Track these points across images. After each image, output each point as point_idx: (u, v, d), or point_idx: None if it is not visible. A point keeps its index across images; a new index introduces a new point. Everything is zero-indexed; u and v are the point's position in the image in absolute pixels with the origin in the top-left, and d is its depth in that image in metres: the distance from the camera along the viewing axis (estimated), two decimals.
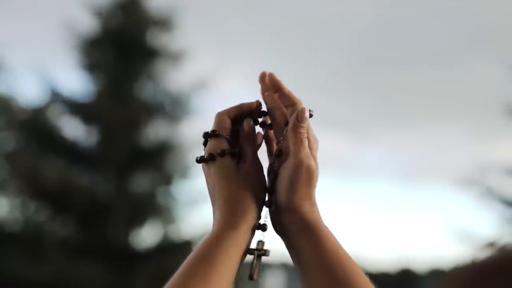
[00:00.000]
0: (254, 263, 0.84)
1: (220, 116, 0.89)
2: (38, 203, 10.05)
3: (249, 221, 0.83)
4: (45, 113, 10.68)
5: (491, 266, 0.42)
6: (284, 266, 18.58)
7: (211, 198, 0.86)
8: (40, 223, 9.91)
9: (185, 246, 10.06)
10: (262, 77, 0.91)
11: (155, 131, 10.43)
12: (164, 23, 10.72)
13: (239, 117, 0.90)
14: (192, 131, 10.60)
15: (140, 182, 10.14)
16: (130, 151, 9.95)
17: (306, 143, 0.85)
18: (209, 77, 10.65)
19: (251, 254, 0.84)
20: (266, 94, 0.90)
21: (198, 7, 16.38)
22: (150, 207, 10.08)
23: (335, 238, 0.83)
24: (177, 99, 10.52)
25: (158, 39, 10.70)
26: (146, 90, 10.50)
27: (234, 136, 0.89)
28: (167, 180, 10.34)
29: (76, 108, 10.40)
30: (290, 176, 0.84)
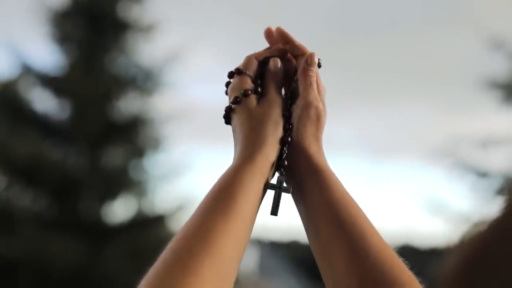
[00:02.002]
0: (275, 199, 0.83)
1: (248, 57, 0.90)
2: (9, 178, 9.95)
3: (267, 154, 0.82)
4: (15, 87, 10.54)
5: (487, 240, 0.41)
6: (258, 242, 18.69)
7: (234, 142, 0.86)
8: (11, 198, 9.83)
9: (158, 220, 10.08)
10: (268, 32, 0.93)
11: (127, 104, 10.36)
12: None
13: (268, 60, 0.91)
14: (164, 104, 10.56)
15: (113, 156, 10.09)
16: (102, 125, 9.88)
17: (315, 86, 0.87)
18: (181, 51, 10.59)
19: (271, 189, 0.83)
20: (275, 46, 0.93)
21: None
22: (122, 181, 10.05)
23: (341, 184, 0.83)
24: (149, 72, 10.45)
25: (129, 11, 10.58)
26: (117, 63, 10.41)
27: (261, 77, 0.89)
28: (140, 154, 10.31)
29: (47, 81, 10.29)
30: (299, 115, 0.85)
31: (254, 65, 0.89)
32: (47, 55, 10.55)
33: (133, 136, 10.23)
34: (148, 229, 9.81)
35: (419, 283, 0.74)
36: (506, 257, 0.39)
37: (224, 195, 0.77)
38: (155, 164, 10.53)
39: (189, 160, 10.60)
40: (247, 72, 0.88)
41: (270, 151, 0.82)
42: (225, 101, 0.90)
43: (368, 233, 0.77)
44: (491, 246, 0.41)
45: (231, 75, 0.89)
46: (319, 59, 0.90)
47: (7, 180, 9.97)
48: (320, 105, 0.86)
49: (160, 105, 10.53)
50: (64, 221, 9.48)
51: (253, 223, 0.79)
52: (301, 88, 0.87)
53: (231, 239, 0.73)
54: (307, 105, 0.85)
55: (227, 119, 0.88)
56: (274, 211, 0.83)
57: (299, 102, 0.86)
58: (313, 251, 0.81)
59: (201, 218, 0.74)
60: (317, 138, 0.85)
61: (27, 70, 10.34)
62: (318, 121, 0.85)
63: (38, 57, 10.66)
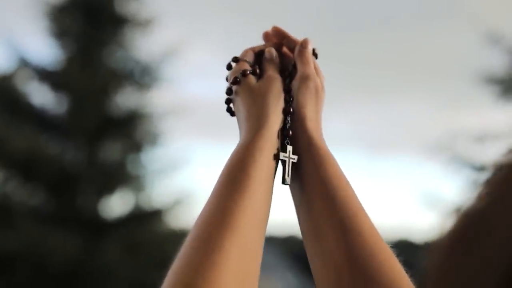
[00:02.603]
0: (284, 168, 0.83)
1: (245, 49, 0.93)
2: (6, 172, 9.95)
3: (272, 126, 0.83)
4: (12, 81, 10.53)
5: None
6: None
7: (238, 121, 0.88)
8: (8, 192, 9.82)
9: (156, 215, 10.08)
10: (266, 35, 0.97)
11: (124, 99, 10.35)
12: None
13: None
14: (162, 99, 10.57)
15: (110, 151, 10.09)
16: (99, 119, 9.88)
17: (311, 64, 0.91)
18: (179, 46, 10.58)
19: (281, 158, 0.84)
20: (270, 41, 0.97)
21: None
22: (120, 176, 10.05)
23: (337, 164, 0.84)
24: (147, 67, 10.45)
25: (127, 6, 10.57)
26: (115, 58, 10.40)
27: (258, 66, 0.92)
28: (137, 148, 10.31)
29: (44, 75, 10.28)
30: (298, 86, 0.88)
31: (250, 54, 0.93)
32: (44, 49, 10.55)
33: (131, 131, 10.23)
34: (146, 223, 9.82)
35: (405, 272, 0.75)
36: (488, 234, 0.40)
37: (236, 172, 0.77)
38: (152, 158, 10.54)
39: (186, 155, 10.63)
40: (245, 59, 0.91)
41: (275, 122, 0.84)
42: (223, 96, 0.92)
43: (360, 214, 0.78)
44: (474, 224, 0.42)
45: (229, 66, 0.91)
46: (314, 49, 0.93)
47: (5, 174, 9.97)
48: (318, 80, 0.89)
49: (158, 99, 10.53)
50: (62, 215, 9.48)
51: (271, 196, 0.80)
52: (299, 66, 0.90)
53: (249, 214, 0.74)
54: (306, 77, 0.88)
55: (229, 102, 0.90)
56: (285, 180, 0.83)
57: (298, 76, 0.89)
58: (302, 228, 0.81)
59: (217, 198, 0.75)
60: (317, 113, 0.87)
61: (24, 64, 10.32)
62: (317, 94, 0.88)
63: (35, 51, 10.67)
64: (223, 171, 0.79)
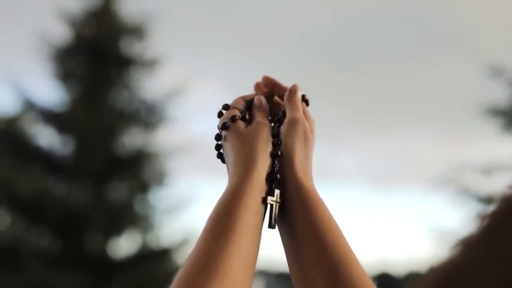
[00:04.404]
0: (272, 212, 0.83)
1: (236, 98, 0.94)
2: (14, 214, 9.96)
3: (260, 169, 0.83)
4: (18, 123, 10.60)
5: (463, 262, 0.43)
6: (264, 273, 18.56)
7: (227, 165, 0.88)
8: (16, 234, 9.82)
9: (163, 254, 10.05)
10: (257, 86, 0.98)
11: (131, 139, 10.40)
12: (137, 31, 10.72)
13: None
14: (168, 138, 10.61)
15: (117, 191, 10.10)
16: (106, 160, 9.91)
17: (300, 109, 0.91)
18: (183, 85, 10.66)
19: (269, 203, 0.83)
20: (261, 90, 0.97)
21: (170, 14, 16.37)
22: (127, 216, 10.04)
23: (326, 206, 0.83)
24: (152, 106, 10.51)
25: (131, 47, 10.68)
26: (121, 98, 10.47)
27: (248, 111, 0.93)
28: (144, 188, 10.31)
29: (50, 117, 10.34)
30: (287, 130, 0.87)
31: (241, 101, 0.93)
32: (50, 91, 10.63)
33: (137, 171, 10.25)
34: (153, 263, 9.78)
35: None
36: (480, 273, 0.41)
37: (223, 216, 0.77)
38: (159, 198, 10.54)
39: (193, 193, 10.62)
40: (235, 106, 0.92)
41: (262, 166, 0.84)
42: None
43: (349, 261, 0.78)
44: (465, 263, 0.43)
45: (220, 114, 0.92)
46: (304, 95, 0.94)
47: (12, 217, 9.98)
48: (307, 125, 0.89)
49: (164, 139, 10.58)
50: (69, 256, 9.46)
51: (258, 240, 0.79)
52: (287, 111, 0.91)
53: (235, 260, 0.73)
54: (294, 121, 0.88)
55: (219, 148, 0.91)
56: (272, 224, 0.83)
57: (286, 120, 0.89)
58: (291, 273, 0.81)
59: (203, 243, 0.75)
60: (306, 156, 0.87)
61: (30, 107, 10.40)
62: (305, 137, 0.88)
63: (41, 94, 10.73)
64: (210, 215, 0.79)
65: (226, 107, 0.92)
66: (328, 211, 0.83)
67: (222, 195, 0.81)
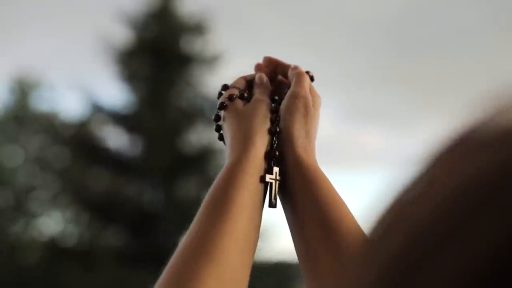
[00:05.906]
0: (272, 191, 0.80)
1: (236, 78, 0.90)
2: (89, 216, 10.18)
3: (257, 147, 0.80)
4: (88, 127, 10.84)
5: None
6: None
7: (226, 145, 0.84)
8: (93, 235, 10.04)
9: None
10: (258, 66, 0.94)
11: (196, 136, 10.50)
12: (197, 29, 10.80)
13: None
14: None
15: (186, 188, 10.21)
16: (173, 158, 10.03)
17: (304, 83, 0.86)
18: None
19: (269, 181, 0.80)
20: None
21: (230, 10, 16.43)
22: (196, 212, 10.12)
23: (329, 181, 0.80)
24: (216, 103, 10.55)
25: (193, 44, 10.77)
26: (184, 97, 10.58)
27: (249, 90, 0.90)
28: (211, 183, 10.37)
29: (118, 119, 10.53)
30: (286, 105, 0.83)
31: (241, 81, 0.90)
32: (116, 94, 10.83)
33: (204, 167, 10.34)
34: None
35: None
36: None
37: (218, 195, 0.74)
38: None
39: None
40: (234, 85, 0.88)
41: (260, 143, 0.80)
42: None
43: (355, 234, 0.75)
44: None
45: (219, 94, 0.89)
46: (309, 72, 0.90)
47: (88, 218, 10.20)
48: (309, 99, 0.84)
49: None
50: (144, 254, 9.60)
51: (259, 220, 0.77)
52: (291, 85, 0.86)
53: (230, 240, 0.70)
54: (294, 96, 0.84)
55: (218, 129, 0.87)
56: (272, 203, 0.80)
57: (287, 95, 0.85)
58: (296, 251, 0.78)
59: (199, 224, 0.72)
60: (307, 131, 0.83)
61: (98, 110, 10.62)
62: (306, 112, 0.83)
63: (108, 96, 10.96)
64: (207, 195, 0.76)
65: (225, 87, 0.89)
66: (331, 186, 0.79)
67: (219, 175, 0.78)
